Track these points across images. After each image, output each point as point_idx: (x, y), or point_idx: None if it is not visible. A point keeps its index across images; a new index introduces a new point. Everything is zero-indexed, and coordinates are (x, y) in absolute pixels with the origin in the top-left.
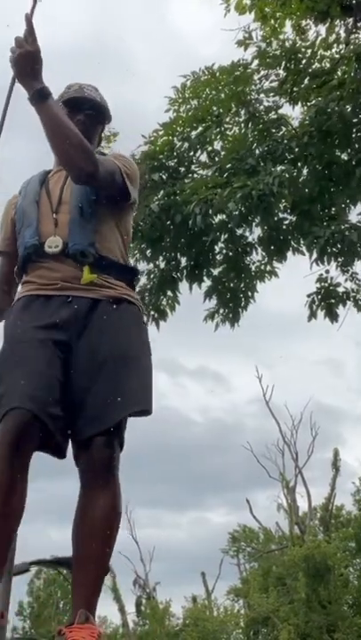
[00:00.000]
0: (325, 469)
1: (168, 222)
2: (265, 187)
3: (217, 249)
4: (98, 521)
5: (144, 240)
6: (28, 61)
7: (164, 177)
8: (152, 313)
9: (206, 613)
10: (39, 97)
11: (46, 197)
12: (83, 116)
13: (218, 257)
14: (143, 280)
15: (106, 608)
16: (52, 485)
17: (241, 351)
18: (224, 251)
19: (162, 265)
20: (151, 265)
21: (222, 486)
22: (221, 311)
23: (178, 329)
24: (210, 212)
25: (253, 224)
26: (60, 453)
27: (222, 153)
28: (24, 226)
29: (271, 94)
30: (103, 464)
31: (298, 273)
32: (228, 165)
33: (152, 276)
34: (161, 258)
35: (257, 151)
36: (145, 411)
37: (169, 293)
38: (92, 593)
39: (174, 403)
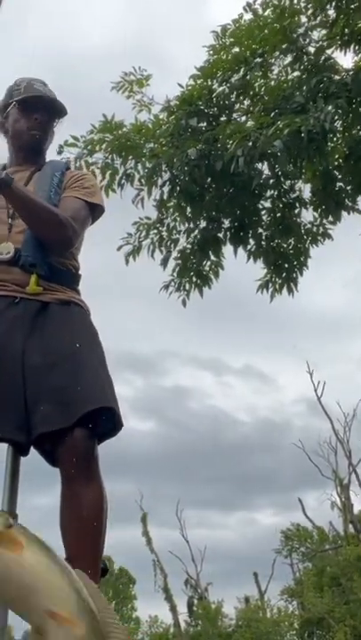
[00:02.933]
0: None
1: (208, 179)
2: (315, 123)
3: (262, 206)
4: (89, 517)
5: (183, 196)
6: None
7: (202, 124)
8: (194, 279)
9: (259, 614)
10: (4, 185)
11: (3, 199)
12: (39, 114)
13: (264, 218)
14: (182, 242)
15: (157, 608)
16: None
17: (285, 350)
18: (270, 208)
19: (203, 224)
20: (191, 224)
21: (269, 486)
22: (276, 279)
23: (223, 328)
24: (254, 158)
25: (302, 178)
26: (23, 452)
27: (266, 98)
28: None
29: (320, 30)
30: (81, 458)
31: (338, 270)
32: (273, 106)
33: (192, 236)
34: (202, 219)
35: (306, 90)
36: (109, 408)
37: (213, 258)
38: None
39: (221, 402)
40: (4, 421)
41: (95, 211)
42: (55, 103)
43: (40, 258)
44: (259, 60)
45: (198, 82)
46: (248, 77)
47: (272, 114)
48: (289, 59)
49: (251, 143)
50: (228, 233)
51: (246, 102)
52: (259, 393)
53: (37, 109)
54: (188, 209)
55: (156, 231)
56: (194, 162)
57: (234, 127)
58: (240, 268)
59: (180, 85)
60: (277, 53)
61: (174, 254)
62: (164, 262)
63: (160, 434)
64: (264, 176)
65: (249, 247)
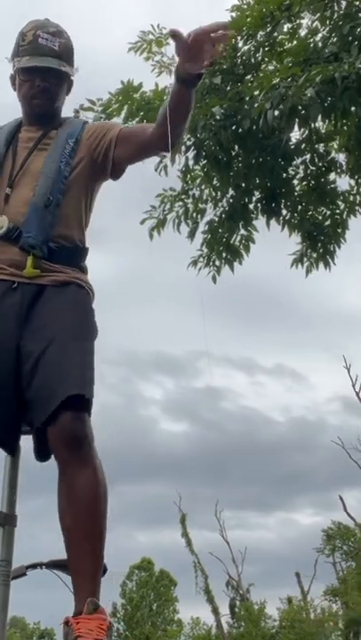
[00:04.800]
0: None
1: (235, 145)
2: (350, 69)
3: (294, 173)
4: (84, 501)
5: (209, 163)
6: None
7: (226, 84)
8: (224, 254)
9: (303, 615)
10: (194, 84)
11: (10, 162)
12: (40, 80)
13: (297, 188)
14: (210, 212)
15: (199, 610)
16: (134, 488)
17: (317, 347)
18: (303, 175)
19: (231, 193)
20: (219, 194)
21: (307, 486)
22: (311, 253)
23: (253, 328)
24: (284, 113)
25: (336, 144)
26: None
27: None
28: None
29: None
30: (75, 440)
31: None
32: (303, 59)
33: (220, 205)
34: (230, 189)
35: (339, 38)
36: (81, 396)
37: (243, 232)
38: (94, 579)
39: (254, 403)
40: None
41: None
42: (60, 70)
43: (42, 238)
44: (285, 13)
45: None
46: (275, 34)
47: (302, 66)
48: (318, 14)
49: (280, 97)
50: (258, 204)
51: (274, 61)
52: (292, 392)
53: (39, 73)
54: (215, 179)
55: (181, 203)
56: (219, 122)
57: (262, 78)
58: (271, 266)
59: None
60: (305, 5)
61: (202, 227)
62: (192, 234)
63: (194, 435)
64: (295, 140)
65: (282, 217)
